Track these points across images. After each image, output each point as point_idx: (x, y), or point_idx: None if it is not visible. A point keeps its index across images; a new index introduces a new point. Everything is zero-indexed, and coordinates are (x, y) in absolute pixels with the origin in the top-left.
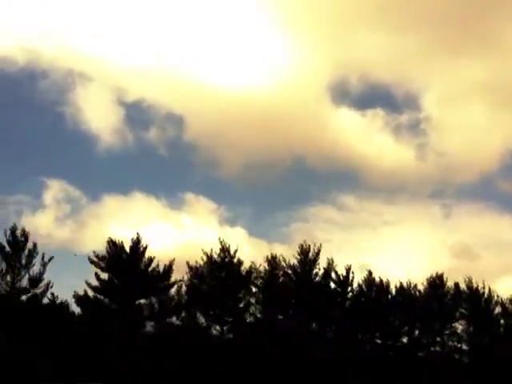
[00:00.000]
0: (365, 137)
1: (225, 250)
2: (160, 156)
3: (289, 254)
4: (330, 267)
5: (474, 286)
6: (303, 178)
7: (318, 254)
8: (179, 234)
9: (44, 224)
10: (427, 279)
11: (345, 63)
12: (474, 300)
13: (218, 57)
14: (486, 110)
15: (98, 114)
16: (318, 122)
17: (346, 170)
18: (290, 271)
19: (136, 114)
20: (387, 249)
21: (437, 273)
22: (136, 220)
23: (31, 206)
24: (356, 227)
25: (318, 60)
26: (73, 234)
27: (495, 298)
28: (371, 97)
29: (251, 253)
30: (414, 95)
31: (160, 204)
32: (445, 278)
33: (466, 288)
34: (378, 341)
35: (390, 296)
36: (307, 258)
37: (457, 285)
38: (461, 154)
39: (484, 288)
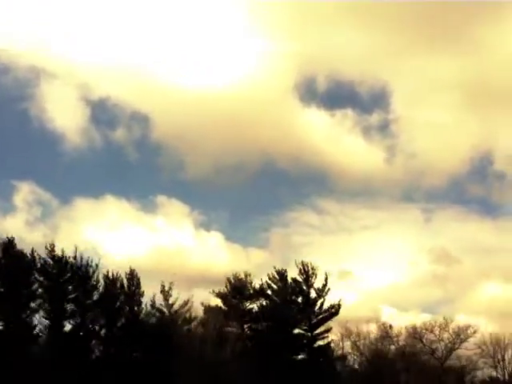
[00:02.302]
0: (334, 138)
1: None
2: (128, 157)
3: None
4: None
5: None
6: (274, 181)
7: None
8: (154, 238)
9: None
10: None
11: (312, 62)
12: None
13: (185, 56)
14: (455, 109)
15: (63, 112)
16: (286, 122)
17: (316, 172)
18: None
19: (101, 112)
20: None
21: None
22: (108, 223)
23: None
24: (332, 232)
25: (285, 59)
26: (45, 237)
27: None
28: (340, 96)
29: (227, 257)
30: (382, 94)
31: (132, 207)
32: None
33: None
34: None
35: None
36: None
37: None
38: (431, 155)
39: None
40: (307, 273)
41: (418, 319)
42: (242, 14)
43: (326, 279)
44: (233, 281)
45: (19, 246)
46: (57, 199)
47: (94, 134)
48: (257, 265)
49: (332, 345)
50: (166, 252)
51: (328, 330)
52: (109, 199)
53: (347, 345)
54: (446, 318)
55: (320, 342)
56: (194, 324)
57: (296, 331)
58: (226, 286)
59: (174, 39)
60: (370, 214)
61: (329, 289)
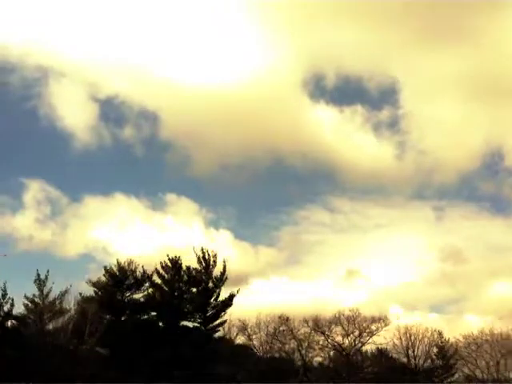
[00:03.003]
0: (343, 134)
1: None
2: (136, 154)
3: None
4: None
5: None
6: (283, 178)
7: None
8: (163, 236)
9: (25, 225)
10: None
11: (321, 59)
12: None
13: (193, 54)
14: (465, 105)
15: (72, 111)
16: (295, 119)
17: (326, 169)
18: None
19: (110, 110)
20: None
21: None
22: (118, 221)
23: (11, 206)
24: (344, 230)
25: (293, 56)
26: (54, 235)
27: None
28: (349, 92)
29: (236, 255)
30: (391, 90)
31: (142, 205)
32: None
33: None
34: None
35: None
36: None
37: None
38: (441, 151)
39: None
40: (207, 261)
41: (426, 318)
42: (251, 12)
43: (225, 267)
44: (114, 269)
45: (28, 244)
46: (66, 197)
47: (102, 131)
48: (267, 263)
49: (227, 337)
50: (175, 250)
51: (222, 323)
52: (118, 197)
53: (242, 339)
54: (355, 311)
55: (213, 335)
56: (68, 315)
57: (187, 324)
58: (105, 275)
59: (181, 37)
60: (382, 212)
61: (226, 277)
